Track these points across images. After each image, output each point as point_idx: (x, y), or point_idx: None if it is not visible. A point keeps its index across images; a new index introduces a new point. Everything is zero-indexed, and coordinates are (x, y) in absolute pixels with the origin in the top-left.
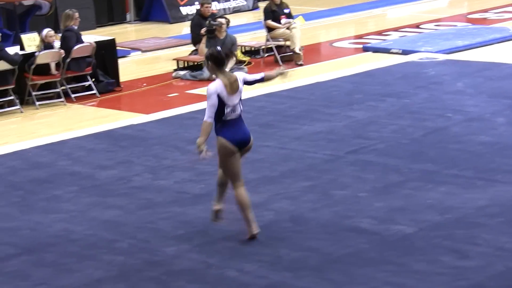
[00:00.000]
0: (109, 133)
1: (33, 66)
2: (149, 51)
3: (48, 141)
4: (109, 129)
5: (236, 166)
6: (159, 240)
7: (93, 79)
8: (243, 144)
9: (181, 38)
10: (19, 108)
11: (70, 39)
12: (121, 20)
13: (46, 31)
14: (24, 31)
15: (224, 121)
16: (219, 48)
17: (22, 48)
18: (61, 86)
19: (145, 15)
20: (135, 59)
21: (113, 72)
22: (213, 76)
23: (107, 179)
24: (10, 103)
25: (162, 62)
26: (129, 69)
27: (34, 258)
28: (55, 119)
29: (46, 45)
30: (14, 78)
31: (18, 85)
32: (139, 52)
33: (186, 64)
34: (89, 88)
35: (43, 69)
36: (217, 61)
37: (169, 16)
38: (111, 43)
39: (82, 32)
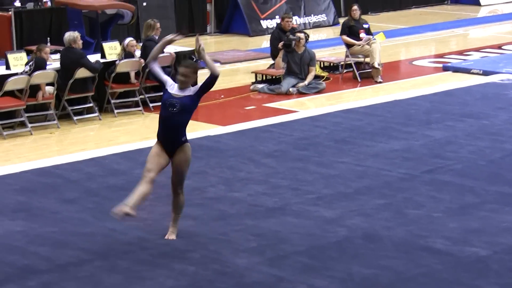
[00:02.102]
0: None
1: (113, 74)
2: (228, 63)
3: (125, 149)
4: None
5: None
6: (231, 252)
7: None
8: None
9: (260, 51)
10: (97, 116)
11: (150, 49)
12: (202, 31)
13: (128, 40)
14: (105, 39)
15: None
16: (194, 58)
17: (103, 56)
18: (139, 95)
19: (225, 27)
20: None
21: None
22: (290, 89)
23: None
24: (89, 110)
25: (241, 75)
26: None
27: (107, 264)
28: (133, 128)
29: (127, 54)
30: (94, 85)
31: (97, 93)
32: (218, 64)
33: (264, 78)
34: None
35: (123, 78)
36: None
37: (249, 29)
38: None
39: None
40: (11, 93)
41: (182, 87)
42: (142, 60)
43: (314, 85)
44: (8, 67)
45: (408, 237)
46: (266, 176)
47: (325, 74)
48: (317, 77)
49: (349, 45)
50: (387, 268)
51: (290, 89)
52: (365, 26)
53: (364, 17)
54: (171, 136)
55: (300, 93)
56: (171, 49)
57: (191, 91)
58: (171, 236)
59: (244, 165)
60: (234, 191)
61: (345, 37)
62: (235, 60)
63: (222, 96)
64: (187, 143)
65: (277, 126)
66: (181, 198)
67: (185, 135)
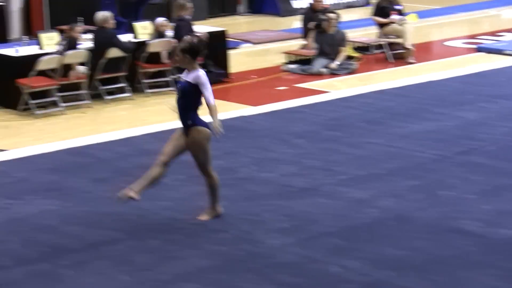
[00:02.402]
0: None
1: (144, 54)
2: (260, 44)
3: (156, 129)
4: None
5: (210, 151)
6: (263, 232)
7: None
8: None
9: (291, 31)
10: (129, 95)
11: (182, 29)
12: (233, 11)
13: (160, 20)
14: (137, 19)
15: (197, 111)
16: (195, 39)
17: (135, 36)
18: (171, 75)
19: (256, 7)
20: (245, 51)
21: (223, 63)
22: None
23: (213, 168)
24: (121, 90)
25: (272, 55)
26: (239, 60)
27: (139, 244)
28: (164, 108)
29: (159, 34)
30: (126, 65)
31: (129, 73)
32: (250, 44)
33: (296, 58)
34: None
35: (155, 58)
36: (194, 53)
37: (280, 9)
38: (222, 34)
39: (193, 23)
40: (43, 73)
41: (187, 71)
42: (174, 40)
43: (345, 65)
44: (40, 47)
45: (440, 218)
46: (297, 157)
47: (357, 54)
48: (349, 57)
49: (381, 26)
50: (418, 250)
51: (322, 70)
52: (398, 7)
53: None
54: (180, 119)
55: (332, 74)
56: (202, 29)
57: (191, 77)
58: (203, 217)
59: (275, 145)
60: (266, 171)
61: (376, 17)
62: (267, 41)
63: (254, 76)
64: (195, 127)
65: (308, 107)
66: (208, 181)
67: (191, 118)
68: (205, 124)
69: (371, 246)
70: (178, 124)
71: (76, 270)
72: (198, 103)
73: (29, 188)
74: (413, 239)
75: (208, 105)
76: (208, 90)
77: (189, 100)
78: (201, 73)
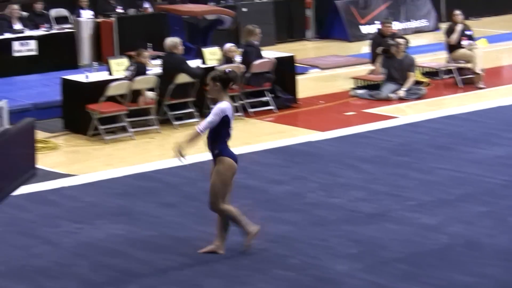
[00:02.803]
0: (285, 149)
1: None
2: (328, 69)
3: None
4: (285, 145)
5: (231, 185)
6: (331, 258)
7: (272, 95)
8: (237, 162)
9: (360, 56)
10: (198, 121)
11: (250, 54)
12: (301, 37)
13: (229, 45)
14: (206, 45)
15: (227, 142)
16: (228, 69)
17: (203, 62)
18: (240, 100)
19: (325, 32)
20: (313, 76)
21: (291, 88)
22: (390, 95)
23: (281, 194)
24: (190, 115)
25: (340, 80)
26: (307, 85)
27: (207, 269)
28: (233, 133)
29: (227, 59)
30: (194, 91)
31: (198, 98)
32: (318, 69)
33: (364, 83)
34: (267, 103)
35: None
36: (225, 82)
37: (349, 34)
38: (290, 60)
39: (262, 48)
40: (113, 98)
41: (215, 101)
42: (242, 66)
43: (414, 90)
44: (110, 73)
45: (511, 245)
46: (365, 182)
47: (425, 79)
48: (417, 82)
49: (451, 51)
50: (489, 277)
51: (390, 95)
52: (468, 33)
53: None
54: (209, 149)
55: (400, 99)
56: (271, 55)
57: (213, 108)
58: (206, 248)
59: (343, 171)
60: (334, 196)
61: (451, 37)
62: (335, 66)
63: (322, 101)
64: (220, 157)
65: (376, 132)
66: (220, 215)
67: (217, 148)
68: (233, 156)
69: (440, 273)
70: (248, 148)
71: None
72: (226, 133)
73: (98, 213)
74: (483, 265)
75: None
76: (208, 118)
77: (216, 130)
78: (221, 104)
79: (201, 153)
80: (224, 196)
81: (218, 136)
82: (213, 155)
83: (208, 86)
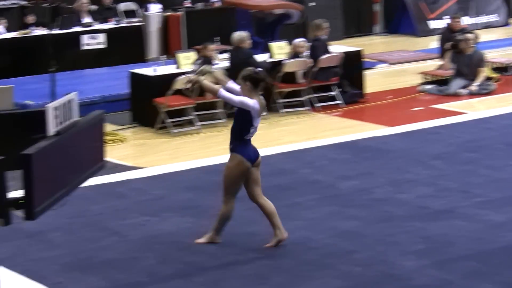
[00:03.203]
0: (352, 144)
1: (280, 74)
2: (396, 64)
3: (291, 148)
4: (352, 140)
5: (240, 185)
6: (398, 253)
7: (339, 89)
8: (254, 161)
9: (428, 52)
10: (265, 115)
11: (318, 49)
12: (369, 31)
13: (298, 41)
14: (273, 39)
15: (244, 140)
16: (258, 69)
17: (271, 56)
18: (307, 94)
19: (393, 27)
20: (381, 71)
21: (359, 83)
22: (459, 91)
23: (348, 189)
24: None
25: (408, 76)
26: (374, 81)
27: (273, 263)
28: (300, 127)
29: (295, 54)
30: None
31: (265, 92)
32: (386, 64)
33: (432, 79)
34: (334, 98)
35: (290, 77)
36: (255, 82)
37: (417, 29)
38: (358, 54)
39: (329, 43)
40: (180, 92)
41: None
42: (310, 60)
43: (484, 86)
44: (178, 66)
45: None
46: (434, 178)
47: (495, 75)
48: (487, 78)
49: None
50: None
51: (459, 91)
52: None
53: None
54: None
55: (470, 95)
56: (338, 49)
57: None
58: (200, 239)
59: (411, 166)
60: (401, 192)
61: None
62: (403, 61)
63: (390, 96)
64: (232, 153)
65: (445, 128)
66: (223, 208)
67: (233, 143)
68: (246, 155)
69: (509, 271)
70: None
71: (211, 287)
72: (245, 131)
73: (165, 206)
74: None
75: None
76: (233, 96)
77: (236, 126)
78: (248, 100)
79: (266, 148)
80: (233, 192)
81: (238, 131)
82: (230, 149)
83: (241, 85)
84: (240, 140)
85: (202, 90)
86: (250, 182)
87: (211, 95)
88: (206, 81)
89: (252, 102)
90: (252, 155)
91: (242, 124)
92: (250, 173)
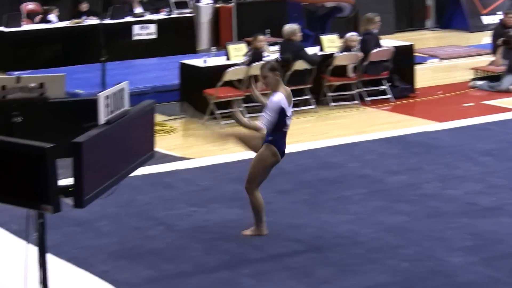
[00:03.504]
0: (401, 139)
1: (330, 67)
2: (447, 59)
3: (340, 142)
4: (402, 135)
5: (267, 176)
6: (446, 250)
7: (389, 84)
8: (283, 156)
9: (480, 47)
10: (314, 108)
11: (369, 43)
12: (421, 26)
13: (350, 34)
14: (324, 32)
15: (282, 132)
16: (278, 57)
17: (321, 49)
18: (356, 88)
19: (445, 22)
20: (432, 66)
21: (409, 78)
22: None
23: (396, 184)
24: (306, 103)
25: (460, 71)
26: (425, 75)
27: (320, 257)
28: (349, 121)
29: (346, 47)
30: (311, 78)
31: (314, 85)
32: (437, 60)
33: (484, 74)
34: (384, 92)
35: (340, 71)
36: (282, 72)
37: (469, 24)
38: (409, 49)
39: (380, 37)
40: (230, 83)
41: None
42: (360, 54)
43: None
44: (228, 58)
45: None
46: (483, 175)
47: None
48: None
49: None
50: None
51: (511, 87)
52: None
53: None
54: None
55: None
56: (389, 43)
57: (270, 99)
58: (246, 231)
59: (461, 162)
60: (450, 188)
61: None
62: (454, 56)
63: (440, 92)
64: (266, 144)
65: (496, 124)
66: (250, 198)
67: (271, 136)
68: (280, 148)
69: None
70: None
71: (257, 279)
72: (282, 123)
73: (213, 197)
74: None
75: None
76: (267, 115)
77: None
78: (276, 97)
79: (314, 141)
80: (260, 182)
81: (276, 123)
82: (265, 140)
83: (267, 79)
84: (278, 133)
85: (250, 82)
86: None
87: (251, 129)
88: (243, 122)
89: (280, 97)
90: (284, 149)
91: (279, 119)
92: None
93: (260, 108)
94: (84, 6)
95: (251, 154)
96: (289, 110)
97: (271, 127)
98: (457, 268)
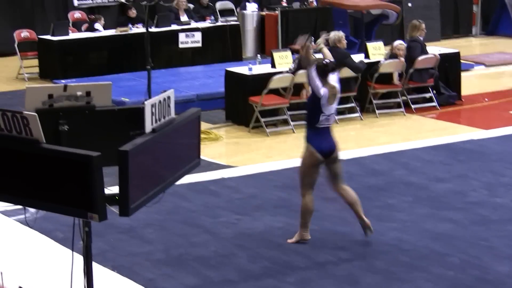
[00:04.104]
0: (447, 146)
1: (376, 75)
2: (494, 66)
3: (386, 149)
4: (448, 142)
5: (315, 176)
6: (492, 258)
7: (435, 91)
8: (328, 154)
9: None
10: (359, 115)
11: (415, 49)
12: (467, 33)
13: (398, 42)
14: (370, 39)
15: (317, 128)
16: (326, 61)
17: (366, 56)
18: (402, 96)
19: (491, 28)
20: (478, 73)
21: (455, 85)
22: None
23: (442, 191)
24: (351, 110)
25: (506, 78)
26: (471, 83)
27: (365, 264)
28: (394, 128)
29: (392, 55)
30: (356, 85)
31: (359, 93)
32: (483, 66)
33: None
34: (430, 99)
35: (386, 78)
36: (322, 72)
37: None
38: (455, 56)
39: (426, 43)
40: (275, 91)
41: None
42: (402, 61)
43: None
44: (273, 65)
45: None
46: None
47: None
48: None
49: None
50: None
51: None
52: None
53: None
54: None
55: None
56: (435, 51)
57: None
58: (291, 239)
59: (508, 170)
60: (497, 196)
61: None
62: (501, 63)
63: (486, 99)
64: (306, 143)
65: None
66: (302, 201)
67: (306, 132)
68: (317, 145)
69: None
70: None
71: (301, 287)
72: (316, 118)
73: (258, 204)
74: None
75: None
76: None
77: (307, 113)
78: (322, 88)
79: (360, 148)
80: (307, 184)
81: (309, 118)
82: (304, 137)
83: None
84: (312, 129)
85: (296, 90)
86: (329, 177)
87: (304, 64)
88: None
89: (322, 90)
90: (325, 147)
91: (312, 111)
92: (327, 169)
93: (304, 116)
94: (133, 13)
95: (298, 162)
96: (328, 109)
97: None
98: (504, 276)
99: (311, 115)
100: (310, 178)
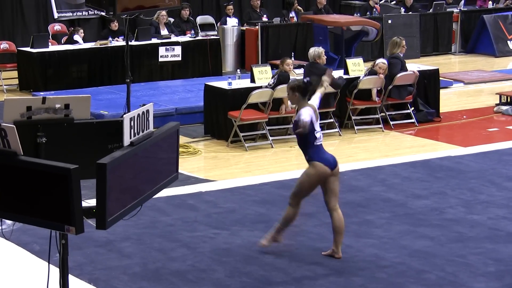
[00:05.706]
0: (425, 163)
1: (355, 91)
2: (472, 84)
3: (364, 165)
4: (426, 159)
5: (310, 192)
6: (469, 275)
7: (413, 108)
8: (334, 167)
9: (506, 72)
10: (338, 131)
11: (395, 66)
12: (446, 50)
13: (380, 61)
14: (349, 55)
15: (316, 145)
16: (306, 79)
17: (346, 72)
18: (381, 112)
19: (471, 46)
20: (456, 91)
21: (434, 102)
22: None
23: (420, 208)
24: (330, 126)
25: (485, 96)
26: (450, 100)
27: (342, 281)
28: (373, 145)
29: (371, 71)
30: (336, 101)
31: (338, 108)
32: (462, 84)
33: (509, 99)
34: (408, 116)
35: (365, 94)
36: (304, 92)
37: (496, 49)
38: (434, 73)
39: (406, 60)
40: (255, 106)
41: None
42: (382, 77)
43: None
44: (253, 80)
45: None
46: (507, 200)
47: None
48: None
49: None
50: None
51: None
52: None
53: None
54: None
55: None
56: (414, 68)
57: (297, 116)
58: (262, 241)
59: (485, 187)
60: (474, 213)
61: None
62: (480, 81)
63: (465, 116)
64: (312, 161)
65: None
66: (288, 210)
67: (307, 155)
68: (325, 160)
69: None
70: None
71: None
72: (312, 137)
73: (236, 219)
74: None
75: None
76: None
77: (302, 139)
78: (303, 110)
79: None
80: (302, 197)
81: (305, 142)
82: (307, 160)
83: (289, 96)
84: (312, 148)
85: (275, 105)
86: (328, 191)
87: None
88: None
89: (308, 110)
90: (330, 160)
91: (308, 134)
92: (328, 182)
93: (284, 131)
94: (115, 25)
95: (277, 177)
96: (317, 125)
97: (303, 142)
98: None
99: (307, 136)
100: (307, 193)
